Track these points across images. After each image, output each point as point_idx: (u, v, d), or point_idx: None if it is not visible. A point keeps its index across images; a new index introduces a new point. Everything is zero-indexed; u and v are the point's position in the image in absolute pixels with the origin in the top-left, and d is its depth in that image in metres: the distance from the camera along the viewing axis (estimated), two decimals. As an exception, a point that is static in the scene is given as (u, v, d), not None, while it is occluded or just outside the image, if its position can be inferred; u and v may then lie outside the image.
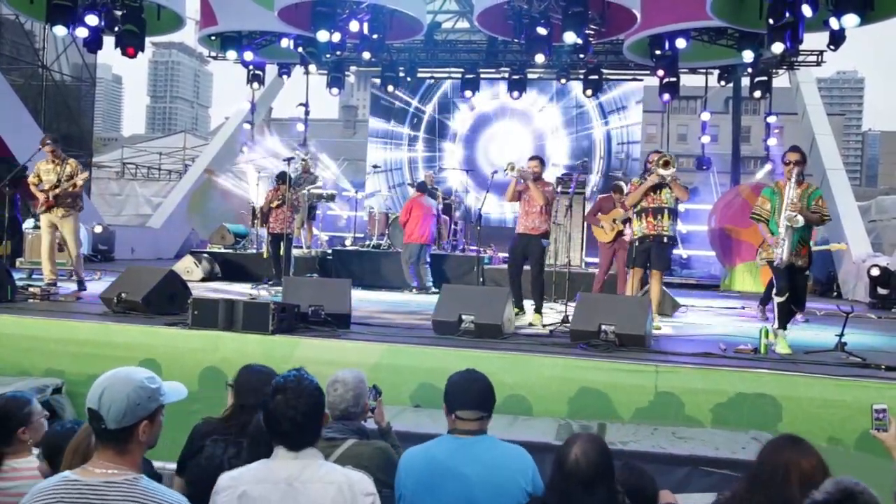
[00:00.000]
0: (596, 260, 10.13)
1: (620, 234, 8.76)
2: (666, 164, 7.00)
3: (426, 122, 17.66)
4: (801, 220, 5.84)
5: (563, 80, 15.49)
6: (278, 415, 2.41)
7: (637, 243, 7.25)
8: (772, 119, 14.58)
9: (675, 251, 15.11)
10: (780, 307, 6.16)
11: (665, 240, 7.12)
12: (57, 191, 8.16)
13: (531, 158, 7.69)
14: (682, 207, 15.67)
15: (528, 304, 7.80)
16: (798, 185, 5.99)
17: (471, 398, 2.98)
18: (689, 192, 7.32)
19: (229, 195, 16.34)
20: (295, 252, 10.88)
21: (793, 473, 2.41)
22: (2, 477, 2.90)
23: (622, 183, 9.36)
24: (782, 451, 2.51)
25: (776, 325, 6.14)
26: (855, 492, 2.03)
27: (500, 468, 2.87)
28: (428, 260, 10.76)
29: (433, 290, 10.13)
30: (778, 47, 8.46)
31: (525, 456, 2.96)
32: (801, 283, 6.32)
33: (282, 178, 10.57)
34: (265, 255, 10.60)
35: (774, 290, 6.22)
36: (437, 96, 17.62)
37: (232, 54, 12.99)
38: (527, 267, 7.71)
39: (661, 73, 12.06)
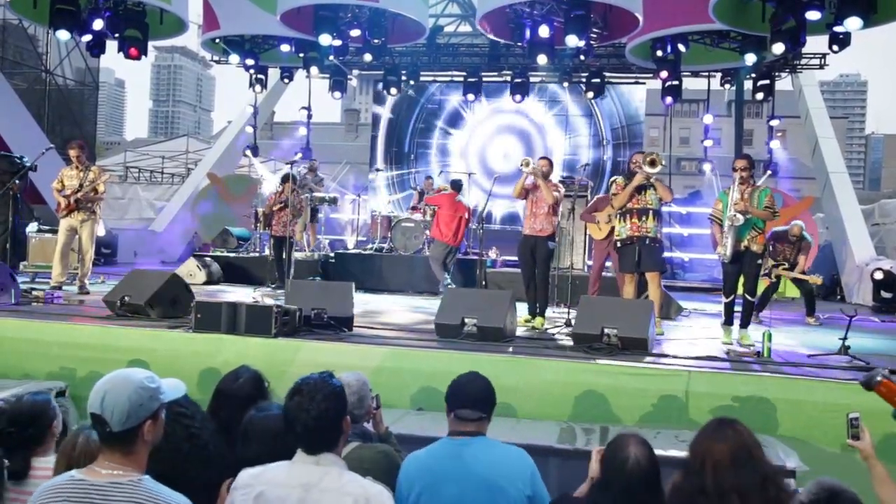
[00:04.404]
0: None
1: (614, 230, 8.67)
2: (652, 163, 7.01)
3: (428, 132, 17.69)
4: (741, 218, 6.47)
5: (566, 84, 15.50)
6: (292, 417, 2.41)
7: (619, 245, 7.24)
8: (774, 122, 14.54)
9: (676, 254, 15.23)
10: (724, 306, 6.84)
11: (648, 241, 7.07)
12: (79, 194, 8.40)
13: (541, 158, 7.78)
14: (681, 210, 15.74)
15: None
16: (748, 187, 6.64)
17: (469, 398, 2.99)
18: (673, 194, 7.39)
19: (231, 199, 16.37)
20: (297, 255, 10.88)
21: (707, 461, 2.46)
22: (32, 475, 2.92)
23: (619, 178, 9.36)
24: (703, 438, 2.57)
25: (723, 321, 6.85)
26: (838, 490, 2.07)
27: (496, 469, 2.87)
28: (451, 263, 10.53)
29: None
30: (779, 47, 8.44)
31: (524, 458, 2.96)
32: (752, 271, 6.78)
33: (286, 179, 10.57)
34: (270, 258, 10.60)
35: (722, 290, 6.90)
36: (437, 99, 17.65)
37: (234, 58, 13.01)
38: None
39: (663, 76, 12.06)
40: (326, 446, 2.42)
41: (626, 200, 7.16)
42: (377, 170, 16.43)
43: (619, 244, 7.25)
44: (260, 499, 2.36)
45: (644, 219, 7.08)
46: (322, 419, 2.40)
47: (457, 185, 10.49)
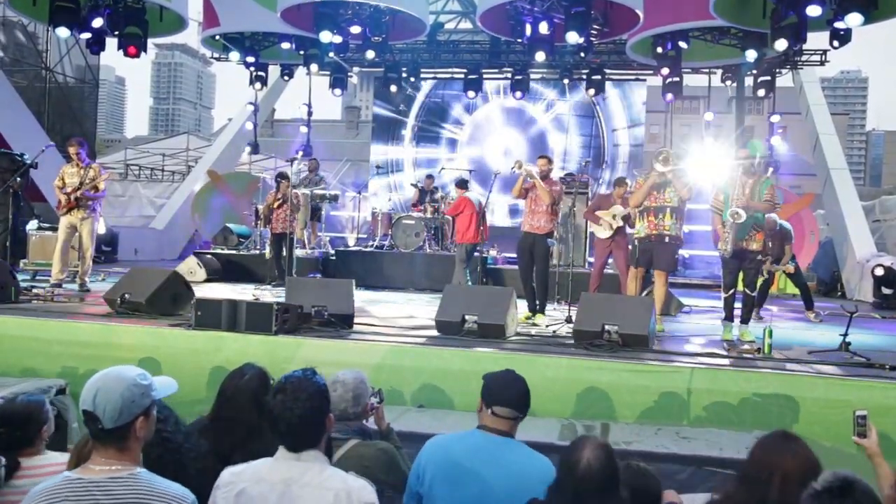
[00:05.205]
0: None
1: (619, 230, 8.62)
2: (665, 161, 6.97)
3: (429, 122, 17.68)
4: (743, 214, 6.42)
5: (566, 81, 15.48)
6: (276, 415, 2.40)
7: (638, 243, 7.24)
8: (775, 119, 14.53)
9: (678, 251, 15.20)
10: (725, 301, 6.84)
11: (667, 239, 7.07)
12: (78, 193, 8.37)
13: (540, 157, 7.76)
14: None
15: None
16: (750, 178, 6.62)
17: (511, 396, 2.98)
18: (693, 190, 7.27)
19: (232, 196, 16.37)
20: (298, 252, 10.87)
21: (775, 474, 2.42)
22: (18, 475, 2.92)
23: (626, 177, 9.31)
24: (771, 452, 2.52)
25: (723, 317, 6.86)
26: (851, 480, 2.08)
27: (520, 475, 2.85)
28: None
29: None
30: (781, 44, 8.43)
31: (549, 468, 2.93)
32: (752, 267, 6.80)
33: (282, 177, 10.55)
34: (268, 255, 10.58)
35: (721, 286, 6.91)
36: (440, 97, 17.64)
37: (235, 55, 13.01)
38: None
39: (664, 72, 12.04)
40: (309, 444, 2.42)
41: (642, 199, 7.16)
42: (378, 167, 16.41)
43: (636, 241, 7.26)
44: (241, 496, 2.35)
45: (661, 217, 7.06)
46: (306, 418, 2.39)
47: (463, 184, 10.42)
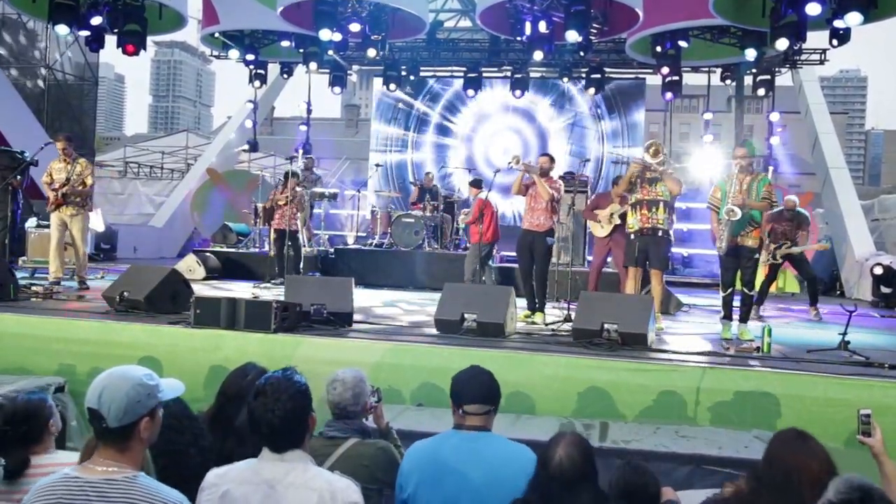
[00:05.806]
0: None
1: (617, 228, 8.61)
2: (655, 153, 6.95)
3: (428, 122, 17.66)
4: (738, 212, 6.39)
5: (566, 79, 15.48)
6: (257, 417, 2.39)
7: (632, 237, 7.21)
8: (774, 117, 14.54)
9: (675, 250, 15.20)
10: (723, 300, 6.82)
11: (660, 233, 7.05)
12: (65, 189, 8.30)
13: (542, 155, 7.76)
14: (682, 205, 15.72)
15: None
16: (747, 175, 6.61)
17: (477, 392, 3.01)
18: (683, 186, 7.28)
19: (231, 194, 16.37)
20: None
21: (804, 476, 2.36)
22: (29, 474, 2.91)
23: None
24: (791, 452, 2.47)
25: (722, 316, 6.83)
26: (868, 488, 2.02)
27: (502, 466, 2.87)
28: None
29: None
30: (782, 43, 8.43)
31: (528, 455, 2.95)
32: (749, 265, 6.74)
33: (291, 174, 10.52)
34: (271, 254, 10.55)
35: (720, 285, 6.88)
36: (439, 96, 17.61)
37: (234, 53, 13.01)
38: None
39: (663, 71, 12.04)
40: (292, 445, 2.40)
41: (626, 186, 7.17)
42: (377, 165, 16.39)
43: (631, 236, 7.23)
44: (226, 497, 2.34)
45: (654, 210, 7.03)
46: (287, 419, 2.37)
47: (478, 183, 10.33)
